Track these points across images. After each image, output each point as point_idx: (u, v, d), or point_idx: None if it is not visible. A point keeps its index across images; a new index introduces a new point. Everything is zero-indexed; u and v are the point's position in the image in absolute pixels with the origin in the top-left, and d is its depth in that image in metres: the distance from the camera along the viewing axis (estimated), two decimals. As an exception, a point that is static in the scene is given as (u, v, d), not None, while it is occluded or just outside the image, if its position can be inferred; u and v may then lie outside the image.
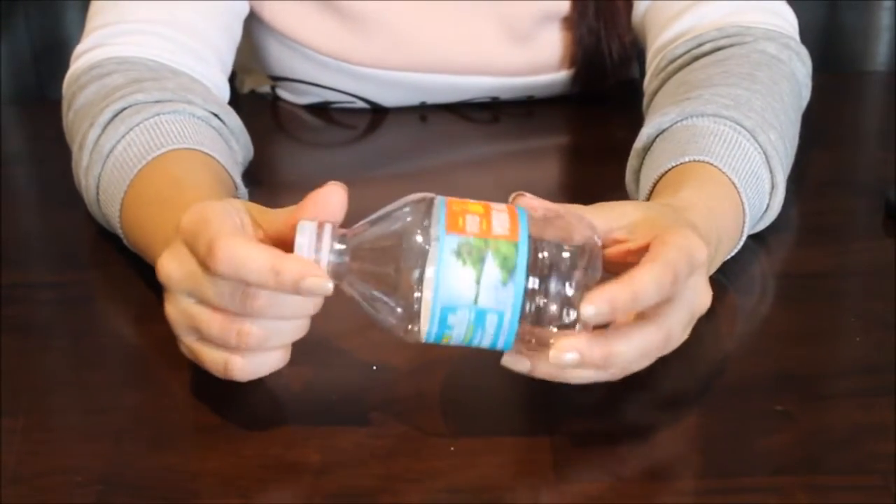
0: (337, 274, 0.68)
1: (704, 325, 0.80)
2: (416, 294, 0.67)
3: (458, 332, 0.68)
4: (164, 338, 0.78)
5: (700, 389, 0.73)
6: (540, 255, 0.67)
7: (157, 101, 0.90)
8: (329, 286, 0.66)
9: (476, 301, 0.67)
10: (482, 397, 0.76)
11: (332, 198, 0.69)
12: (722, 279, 0.85)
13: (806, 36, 1.01)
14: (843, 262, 0.90)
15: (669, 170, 0.84)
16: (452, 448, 0.71)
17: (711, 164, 0.83)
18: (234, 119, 0.95)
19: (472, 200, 0.70)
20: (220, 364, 0.70)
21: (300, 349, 0.73)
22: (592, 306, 0.66)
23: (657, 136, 0.89)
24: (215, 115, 0.93)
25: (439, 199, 0.69)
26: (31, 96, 1.36)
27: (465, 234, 0.67)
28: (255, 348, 0.69)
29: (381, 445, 0.72)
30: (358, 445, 0.72)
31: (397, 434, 0.73)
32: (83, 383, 0.80)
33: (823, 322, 0.84)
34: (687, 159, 0.84)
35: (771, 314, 0.86)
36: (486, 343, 0.69)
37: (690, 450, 0.72)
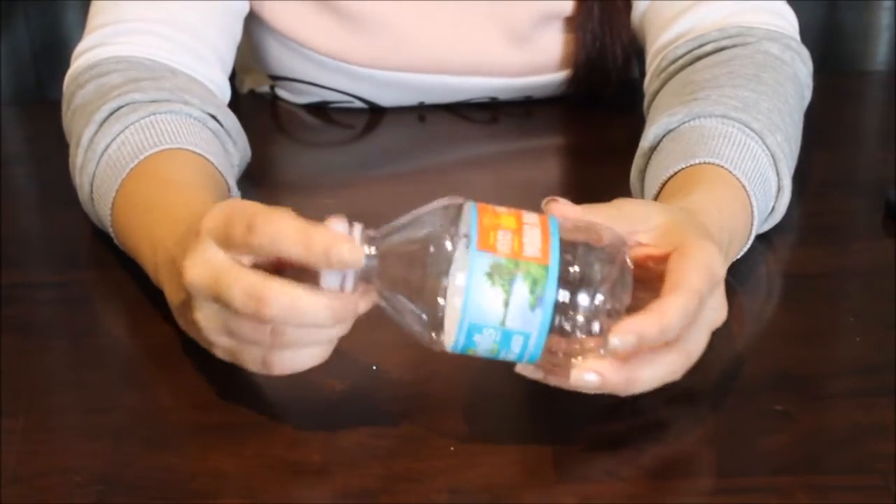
0: (365, 276, 0.67)
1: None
2: (442, 302, 0.67)
3: (483, 349, 0.68)
4: (164, 338, 0.78)
5: (700, 389, 0.73)
6: (571, 270, 0.67)
7: (153, 101, 0.90)
8: (361, 257, 0.66)
9: (503, 323, 0.66)
10: (482, 397, 0.76)
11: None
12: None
13: (806, 36, 1.01)
14: (843, 262, 0.91)
15: (679, 171, 0.84)
16: (452, 448, 0.71)
17: (722, 167, 0.83)
18: (231, 121, 0.95)
19: (503, 210, 0.69)
20: (258, 361, 0.70)
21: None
22: (619, 338, 0.66)
23: (664, 135, 0.89)
24: (212, 117, 0.93)
25: (470, 207, 0.68)
26: (31, 96, 1.36)
27: (497, 253, 0.67)
28: (290, 343, 0.69)
29: (381, 445, 0.72)
30: (358, 445, 0.72)
31: (397, 434, 0.73)
32: (83, 383, 0.80)
33: (823, 322, 0.84)
34: (697, 161, 0.84)
35: (771, 314, 0.86)
36: (510, 358, 0.68)
37: (691, 450, 0.72)
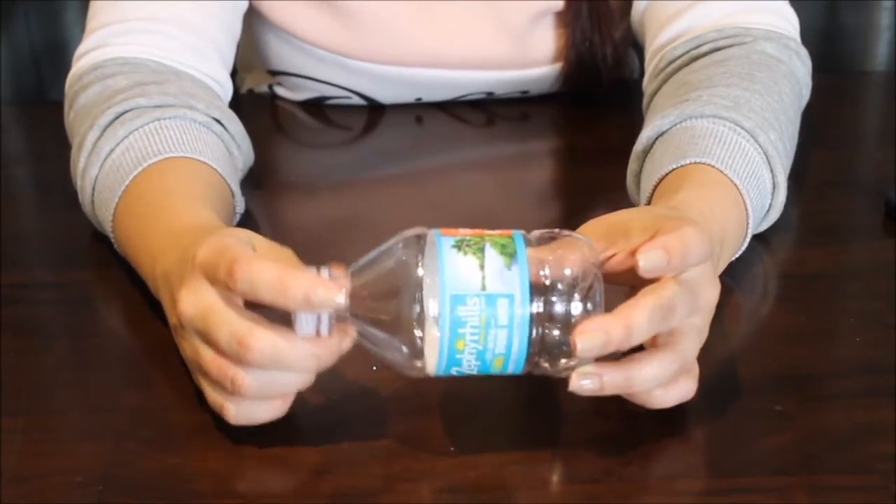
0: (340, 317, 0.68)
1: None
2: (421, 330, 0.67)
3: (473, 327, 0.67)
4: (165, 338, 0.78)
5: (700, 389, 0.73)
6: (541, 273, 0.67)
7: (157, 106, 0.90)
8: (340, 299, 0.66)
9: (484, 286, 0.67)
10: (482, 397, 0.76)
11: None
12: (722, 279, 0.85)
13: (806, 36, 1.01)
14: (843, 262, 0.90)
15: (670, 172, 0.84)
16: (452, 448, 0.71)
17: (712, 166, 0.83)
18: (236, 125, 0.95)
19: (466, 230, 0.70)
20: (217, 406, 0.71)
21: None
22: (583, 336, 0.66)
23: (657, 138, 0.89)
24: (217, 121, 0.93)
25: (433, 232, 0.69)
26: (31, 97, 1.36)
27: (460, 235, 0.69)
28: (248, 397, 0.69)
29: (381, 445, 0.72)
30: (358, 445, 0.72)
31: (397, 434, 0.73)
32: (83, 383, 0.80)
33: (823, 322, 0.84)
34: (687, 161, 0.84)
35: (771, 314, 0.86)
36: (501, 342, 0.67)
37: (690, 450, 0.72)
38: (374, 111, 1.15)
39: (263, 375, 0.68)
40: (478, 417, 0.75)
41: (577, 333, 0.66)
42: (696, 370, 0.71)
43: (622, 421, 0.73)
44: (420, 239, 0.69)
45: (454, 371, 0.68)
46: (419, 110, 1.14)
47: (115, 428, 0.75)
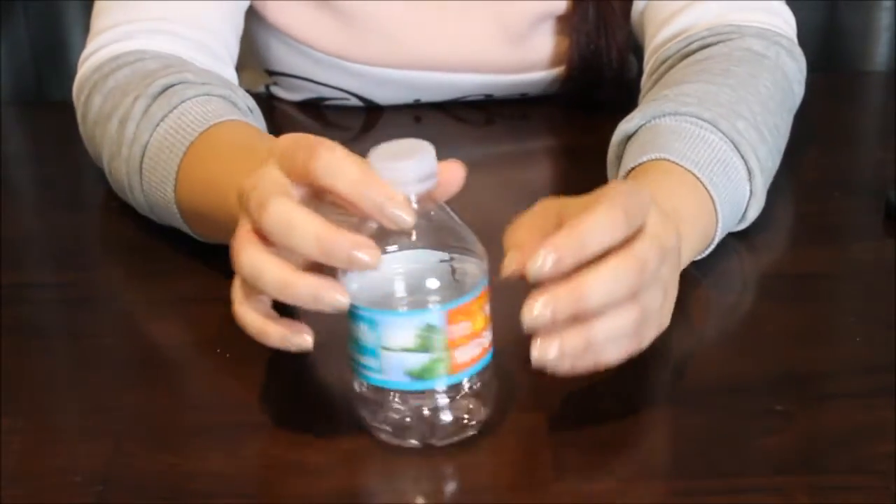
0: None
1: (704, 325, 0.81)
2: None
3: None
4: (164, 338, 0.78)
5: (700, 389, 0.73)
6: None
7: (204, 83, 0.90)
8: (410, 222, 0.66)
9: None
10: (482, 397, 0.76)
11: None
12: (722, 278, 0.85)
13: (806, 36, 1.01)
14: (843, 262, 0.90)
15: (629, 171, 0.84)
16: (452, 448, 0.71)
17: (668, 160, 0.83)
18: (262, 121, 0.95)
19: None
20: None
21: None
22: (536, 260, 0.64)
23: (626, 142, 0.89)
24: (251, 112, 0.93)
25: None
26: (31, 96, 1.36)
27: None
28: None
29: (382, 445, 0.72)
30: (358, 445, 0.72)
31: (397, 434, 0.73)
32: (83, 383, 0.80)
33: (823, 322, 0.84)
34: (644, 159, 0.84)
35: (771, 314, 0.85)
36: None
37: (690, 450, 0.72)
38: (372, 111, 1.15)
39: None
40: (478, 417, 0.75)
41: (529, 258, 0.65)
42: (660, 321, 0.70)
43: (622, 421, 0.73)
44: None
45: None
46: (418, 110, 1.14)
47: (115, 428, 0.75)
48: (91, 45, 0.97)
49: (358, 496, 0.69)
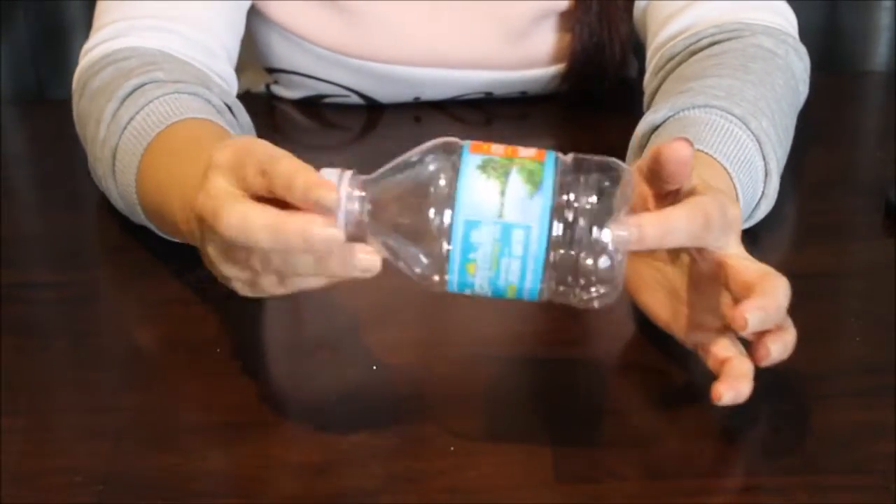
0: (359, 223, 0.67)
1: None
2: (444, 243, 0.65)
3: (484, 255, 0.65)
4: (165, 338, 0.78)
5: (700, 389, 0.73)
6: (567, 199, 0.66)
7: (176, 81, 0.90)
8: (335, 198, 0.66)
9: (501, 215, 0.65)
10: (482, 397, 0.76)
11: None
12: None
13: (806, 36, 1.01)
14: (843, 262, 0.90)
15: None
16: (452, 448, 0.71)
17: (702, 152, 0.83)
18: (245, 117, 0.95)
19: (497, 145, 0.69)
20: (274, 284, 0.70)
21: (300, 350, 0.73)
22: (624, 230, 0.66)
23: (651, 133, 0.89)
24: (229, 109, 0.93)
25: (462, 144, 0.68)
26: (31, 96, 1.36)
27: (490, 153, 0.67)
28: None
29: (381, 445, 0.72)
30: (358, 445, 0.72)
31: (397, 434, 0.73)
32: (83, 383, 0.80)
33: (823, 322, 0.84)
34: None
35: (771, 314, 0.85)
36: (514, 272, 0.66)
37: (691, 450, 0.72)
38: (372, 111, 1.14)
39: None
40: (478, 417, 0.75)
41: (617, 226, 0.66)
42: None
43: (622, 421, 0.73)
44: (450, 151, 0.67)
45: (468, 292, 0.67)
46: (418, 110, 1.14)
47: (115, 428, 0.75)
48: (89, 41, 0.98)
49: (358, 496, 0.69)
